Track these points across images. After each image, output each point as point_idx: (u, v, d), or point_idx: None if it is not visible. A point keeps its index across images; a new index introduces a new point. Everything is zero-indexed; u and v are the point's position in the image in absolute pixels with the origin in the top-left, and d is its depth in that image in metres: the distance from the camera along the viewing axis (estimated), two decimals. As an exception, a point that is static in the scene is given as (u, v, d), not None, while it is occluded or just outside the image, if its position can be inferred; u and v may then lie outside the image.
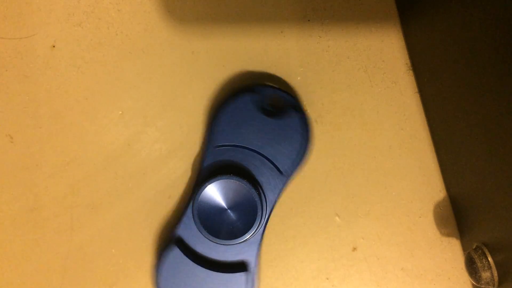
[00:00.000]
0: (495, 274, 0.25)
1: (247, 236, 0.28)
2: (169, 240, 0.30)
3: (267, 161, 0.29)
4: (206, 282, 0.29)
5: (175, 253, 0.29)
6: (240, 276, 0.29)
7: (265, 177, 0.29)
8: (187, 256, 0.29)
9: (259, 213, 0.28)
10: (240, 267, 0.29)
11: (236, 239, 0.28)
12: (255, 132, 0.29)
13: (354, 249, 0.31)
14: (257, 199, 0.28)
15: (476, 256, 0.26)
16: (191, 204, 0.29)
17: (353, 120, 0.32)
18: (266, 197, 0.29)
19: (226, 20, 0.33)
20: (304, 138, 0.30)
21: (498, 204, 0.24)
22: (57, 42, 0.32)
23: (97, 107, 0.32)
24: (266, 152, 0.29)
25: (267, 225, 0.30)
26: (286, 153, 0.30)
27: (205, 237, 0.28)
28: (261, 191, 0.29)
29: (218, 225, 0.28)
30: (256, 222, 0.28)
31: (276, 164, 0.29)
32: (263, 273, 0.31)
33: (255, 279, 0.29)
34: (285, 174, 0.30)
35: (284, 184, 0.30)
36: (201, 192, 0.28)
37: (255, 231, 0.28)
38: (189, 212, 0.29)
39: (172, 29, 0.33)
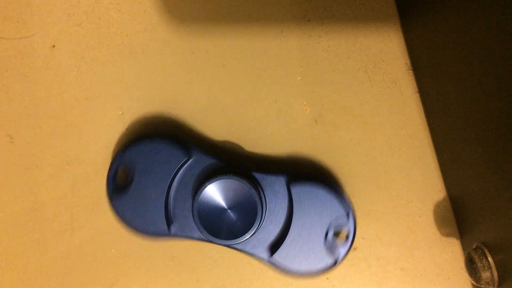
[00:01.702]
0: (495, 274, 0.25)
1: (247, 236, 0.28)
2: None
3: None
4: None
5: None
6: None
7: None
8: None
9: (259, 213, 0.28)
10: None
11: (236, 239, 0.28)
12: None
13: (354, 249, 0.31)
14: (257, 199, 0.28)
15: (476, 256, 0.26)
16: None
17: (353, 120, 0.32)
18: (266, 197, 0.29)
19: (226, 20, 0.33)
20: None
21: (498, 204, 0.24)
22: (57, 42, 0.32)
23: (97, 107, 0.32)
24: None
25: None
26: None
27: (205, 237, 0.28)
28: (261, 191, 0.29)
29: (218, 225, 0.28)
30: (256, 222, 0.28)
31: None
32: (263, 273, 0.31)
33: None
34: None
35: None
36: (201, 192, 0.28)
37: (255, 231, 0.28)
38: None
39: (172, 29, 0.33)
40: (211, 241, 0.28)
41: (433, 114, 0.31)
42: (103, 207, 0.32)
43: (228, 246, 0.29)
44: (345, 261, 0.31)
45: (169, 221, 0.29)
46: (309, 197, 0.29)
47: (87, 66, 0.32)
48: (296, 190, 0.29)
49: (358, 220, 0.32)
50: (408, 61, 0.33)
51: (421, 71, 0.32)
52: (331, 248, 0.29)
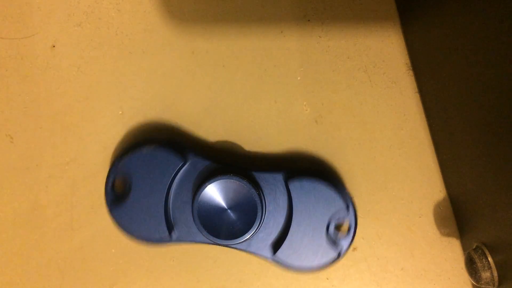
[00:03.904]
0: (495, 274, 0.25)
1: (247, 236, 0.28)
2: None
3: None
4: None
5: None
6: None
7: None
8: None
9: (259, 213, 0.28)
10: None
11: (236, 239, 0.28)
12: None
13: (354, 249, 0.31)
14: (257, 199, 0.28)
15: (476, 256, 0.26)
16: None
17: (353, 120, 0.32)
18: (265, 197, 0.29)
19: (226, 20, 0.33)
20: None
21: (498, 204, 0.24)
22: (57, 42, 0.32)
23: (97, 107, 0.32)
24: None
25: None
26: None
27: (205, 237, 0.28)
28: (261, 191, 0.29)
29: (218, 225, 0.28)
30: (256, 222, 0.28)
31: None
32: (263, 273, 0.31)
33: None
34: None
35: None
36: (201, 192, 0.28)
37: (255, 230, 0.28)
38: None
39: (172, 29, 0.33)
40: (213, 243, 0.28)
41: (433, 114, 0.31)
42: (103, 207, 0.32)
43: (230, 246, 0.29)
44: (345, 261, 0.31)
45: (170, 227, 0.29)
46: (308, 192, 0.29)
47: (87, 66, 0.32)
48: (294, 186, 0.29)
49: (358, 220, 0.31)
50: (408, 61, 0.33)
51: (421, 71, 0.32)
52: (333, 242, 0.29)
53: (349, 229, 0.29)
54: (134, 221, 0.29)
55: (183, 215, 0.29)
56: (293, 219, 0.29)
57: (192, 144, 0.32)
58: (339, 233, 0.29)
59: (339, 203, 0.29)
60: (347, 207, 0.29)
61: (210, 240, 0.28)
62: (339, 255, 0.29)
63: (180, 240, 0.29)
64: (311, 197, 0.29)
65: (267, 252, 0.29)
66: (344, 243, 0.29)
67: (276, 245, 0.29)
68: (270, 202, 0.29)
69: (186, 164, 0.29)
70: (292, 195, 0.29)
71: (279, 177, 0.29)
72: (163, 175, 0.29)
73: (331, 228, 0.29)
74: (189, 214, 0.29)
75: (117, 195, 0.30)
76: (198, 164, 0.29)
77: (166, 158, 0.29)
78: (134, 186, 0.29)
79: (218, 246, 0.30)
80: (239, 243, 0.28)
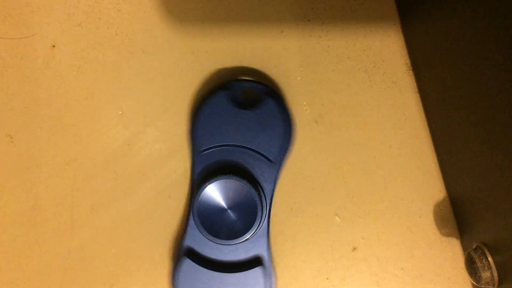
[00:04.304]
0: (495, 274, 0.25)
1: (248, 236, 0.28)
2: (179, 253, 0.29)
3: (255, 153, 0.29)
4: (224, 284, 0.29)
5: (188, 265, 0.29)
6: (256, 272, 0.29)
7: (257, 169, 0.29)
8: (200, 264, 0.29)
9: (259, 213, 0.28)
10: (254, 262, 0.29)
11: (236, 239, 0.28)
12: (236, 128, 0.29)
13: (354, 249, 0.31)
14: (257, 199, 0.28)
15: (476, 256, 0.26)
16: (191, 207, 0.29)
17: (353, 120, 0.32)
18: (263, 189, 0.29)
19: (226, 20, 0.33)
20: (285, 122, 0.30)
21: (498, 204, 0.24)
22: (57, 42, 0.32)
23: (97, 107, 0.32)
24: (252, 145, 0.29)
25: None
26: (271, 141, 0.30)
27: (205, 237, 0.28)
28: (261, 190, 0.29)
29: (218, 225, 0.28)
30: (256, 222, 0.28)
31: (264, 154, 0.29)
32: (263, 273, 0.31)
33: (272, 271, 0.30)
34: (275, 162, 0.30)
35: (277, 171, 0.30)
36: (201, 192, 0.28)
37: (255, 230, 0.28)
38: (192, 220, 0.29)
39: (172, 29, 0.33)
40: (212, 241, 0.28)
41: (433, 114, 0.31)
42: (103, 207, 0.32)
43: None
44: (345, 261, 0.31)
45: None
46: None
47: (87, 66, 0.32)
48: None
49: (358, 220, 0.32)
50: (408, 61, 0.33)
51: (421, 71, 0.32)
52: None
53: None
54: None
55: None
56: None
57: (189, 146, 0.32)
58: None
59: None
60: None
61: (210, 240, 0.28)
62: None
63: None
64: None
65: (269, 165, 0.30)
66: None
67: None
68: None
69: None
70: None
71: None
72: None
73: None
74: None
75: None
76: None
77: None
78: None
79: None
80: (243, 241, 0.28)
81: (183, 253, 0.29)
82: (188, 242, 0.29)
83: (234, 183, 0.28)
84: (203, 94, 0.32)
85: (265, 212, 0.29)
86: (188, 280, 0.29)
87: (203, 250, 0.29)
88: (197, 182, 0.29)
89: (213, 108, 0.30)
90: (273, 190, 0.30)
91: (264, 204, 0.28)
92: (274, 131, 0.29)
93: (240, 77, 0.32)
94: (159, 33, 0.32)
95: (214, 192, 0.28)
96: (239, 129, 0.29)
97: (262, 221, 0.28)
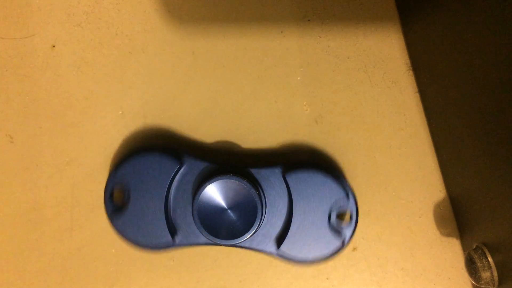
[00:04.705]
0: (495, 274, 0.25)
1: (248, 235, 0.28)
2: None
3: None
4: None
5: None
6: None
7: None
8: None
9: (259, 213, 0.28)
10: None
11: (236, 239, 0.28)
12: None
13: (354, 249, 0.31)
14: (257, 199, 0.28)
15: (476, 256, 0.26)
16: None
17: (353, 120, 0.32)
18: (263, 188, 0.29)
19: (226, 20, 0.33)
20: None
21: (498, 204, 0.24)
22: (57, 42, 0.32)
23: (97, 107, 0.32)
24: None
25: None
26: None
27: (205, 237, 0.28)
28: (260, 191, 0.29)
29: (218, 225, 0.28)
30: (256, 222, 0.28)
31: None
32: (263, 273, 0.31)
33: None
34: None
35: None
36: (201, 192, 0.28)
37: (255, 230, 0.28)
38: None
39: (172, 29, 0.33)
40: (215, 244, 0.28)
41: (433, 114, 0.31)
42: (103, 207, 0.32)
43: (234, 245, 0.29)
44: (345, 261, 0.31)
45: (172, 232, 0.29)
46: (306, 183, 0.29)
47: (87, 66, 0.32)
48: (292, 179, 0.29)
49: (358, 220, 0.31)
50: (408, 61, 0.33)
51: (421, 71, 0.32)
52: (336, 231, 0.29)
53: (351, 217, 0.29)
54: (136, 230, 0.29)
55: (185, 218, 0.29)
56: (294, 211, 0.29)
57: (189, 146, 0.32)
58: (341, 222, 0.29)
59: (339, 192, 0.29)
60: (347, 195, 0.29)
61: (211, 240, 0.28)
62: (343, 244, 0.29)
63: (183, 243, 0.29)
64: (310, 188, 0.29)
65: (271, 247, 0.29)
66: (347, 232, 0.29)
67: (280, 239, 0.29)
68: (270, 197, 0.29)
69: (183, 167, 0.29)
70: (290, 188, 0.29)
71: (276, 171, 0.29)
72: (161, 180, 0.29)
73: (333, 217, 0.29)
74: (190, 217, 0.29)
75: (117, 205, 0.30)
76: (195, 166, 0.29)
77: (162, 162, 0.29)
78: (132, 194, 0.29)
79: (218, 246, 0.30)
80: (241, 242, 0.28)
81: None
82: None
83: (234, 183, 0.28)
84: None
85: (265, 212, 0.29)
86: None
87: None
88: (197, 182, 0.29)
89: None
90: None
91: (264, 204, 0.28)
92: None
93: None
94: (159, 33, 0.33)
95: (214, 192, 0.28)
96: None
97: (262, 221, 0.28)
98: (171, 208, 0.29)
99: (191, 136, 0.32)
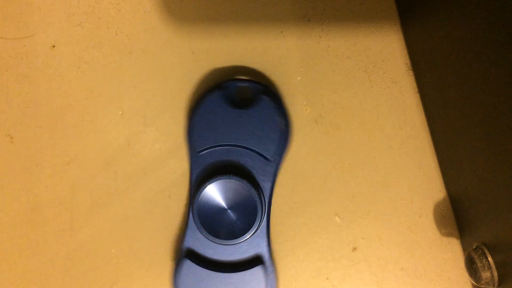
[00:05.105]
0: (495, 274, 0.25)
1: (248, 235, 0.28)
2: (179, 254, 0.29)
3: (252, 152, 0.29)
4: (225, 284, 0.29)
5: (188, 266, 0.29)
6: (257, 270, 0.29)
7: (255, 168, 0.29)
8: (200, 265, 0.29)
9: (259, 213, 0.28)
10: (255, 261, 0.29)
11: (236, 239, 0.28)
12: (232, 128, 0.30)
13: (354, 249, 0.31)
14: (257, 199, 0.28)
15: (476, 256, 0.26)
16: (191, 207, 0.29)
17: (353, 120, 0.32)
18: (262, 188, 0.29)
19: (226, 20, 0.33)
20: (281, 120, 0.30)
21: (498, 204, 0.24)
22: (57, 42, 0.32)
23: (97, 107, 0.32)
24: (249, 144, 0.29)
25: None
26: (268, 139, 0.30)
27: (205, 237, 0.28)
28: (260, 191, 0.29)
29: (218, 225, 0.28)
30: (256, 222, 0.28)
31: (261, 153, 0.29)
32: (263, 273, 0.31)
33: (273, 270, 0.30)
34: (272, 160, 0.30)
35: (275, 170, 0.30)
36: (201, 192, 0.28)
37: (255, 230, 0.28)
38: (192, 221, 0.29)
39: (172, 29, 0.33)
40: (212, 241, 0.28)
41: (433, 114, 0.31)
42: (103, 207, 0.32)
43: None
44: (345, 261, 0.31)
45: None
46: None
47: (87, 66, 0.32)
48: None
49: (358, 220, 0.32)
50: (408, 61, 0.33)
51: (421, 71, 0.32)
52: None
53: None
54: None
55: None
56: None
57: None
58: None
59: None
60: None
61: (211, 240, 0.28)
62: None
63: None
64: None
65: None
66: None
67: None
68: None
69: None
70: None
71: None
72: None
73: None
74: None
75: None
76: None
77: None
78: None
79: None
80: (239, 242, 0.28)
81: (183, 254, 0.29)
82: (188, 243, 0.29)
83: (234, 183, 0.28)
84: (199, 95, 0.32)
85: (265, 212, 0.29)
86: (189, 281, 0.29)
87: (203, 251, 0.29)
88: (197, 183, 0.29)
89: (209, 109, 0.30)
90: (272, 189, 0.30)
91: (264, 203, 0.28)
92: (271, 129, 0.29)
93: (236, 77, 0.32)
94: (159, 33, 0.32)
95: (214, 192, 0.28)
96: (236, 128, 0.29)
97: (262, 221, 0.28)
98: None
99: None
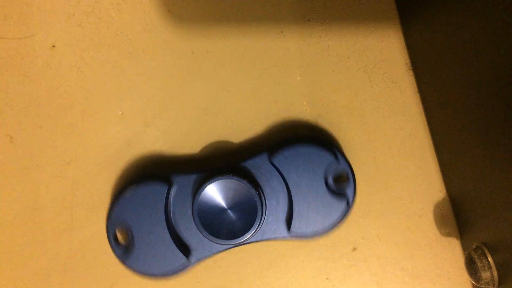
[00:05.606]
0: (495, 274, 0.25)
1: (248, 235, 0.28)
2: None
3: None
4: None
5: None
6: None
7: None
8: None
9: (259, 213, 0.28)
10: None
11: (237, 239, 0.28)
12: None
13: (354, 249, 0.32)
14: (257, 199, 0.28)
15: (476, 256, 0.26)
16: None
17: (353, 120, 0.32)
18: (262, 188, 0.29)
19: (226, 20, 0.33)
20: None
21: (498, 204, 0.24)
22: (57, 42, 0.32)
23: (97, 107, 0.32)
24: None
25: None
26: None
27: (205, 237, 0.28)
28: (260, 191, 0.29)
29: (218, 225, 0.28)
30: (256, 222, 0.28)
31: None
32: (263, 273, 0.31)
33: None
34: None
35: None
36: (201, 192, 0.28)
37: (255, 230, 0.28)
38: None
39: (172, 29, 0.33)
40: (227, 249, 0.28)
41: (433, 114, 0.31)
42: (103, 207, 0.32)
43: (242, 243, 0.29)
44: (345, 261, 0.31)
45: (185, 252, 0.29)
46: (294, 159, 0.29)
47: (87, 66, 0.32)
48: (279, 160, 0.29)
49: (358, 220, 0.32)
50: (408, 61, 0.33)
51: (421, 71, 0.32)
52: (338, 194, 0.29)
53: (347, 177, 0.29)
54: (150, 263, 0.29)
55: (191, 234, 0.29)
56: (291, 190, 0.29)
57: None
58: (340, 184, 0.29)
59: (327, 157, 0.29)
60: (336, 157, 0.29)
61: (212, 240, 0.28)
62: (348, 204, 0.29)
63: (199, 259, 0.29)
64: (298, 162, 0.29)
65: (283, 232, 0.29)
66: (349, 191, 0.29)
67: (288, 222, 0.29)
68: (265, 185, 0.29)
69: (173, 186, 0.29)
70: (281, 169, 0.29)
71: (264, 157, 0.29)
72: (156, 207, 0.29)
73: (330, 182, 0.29)
74: (197, 232, 0.29)
75: (124, 246, 0.30)
76: (184, 181, 0.29)
77: (150, 190, 0.29)
78: (134, 230, 0.29)
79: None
80: (240, 242, 0.28)
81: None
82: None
83: (234, 183, 0.28)
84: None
85: (265, 212, 0.29)
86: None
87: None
88: (197, 183, 0.29)
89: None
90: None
91: (264, 203, 0.28)
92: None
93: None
94: (159, 33, 0.32)
95: (214, 192, 0.28)
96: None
97: (262, 221, 0.28)
98: (175, 229, 0.29)
99: (191, 136, 0.32)
